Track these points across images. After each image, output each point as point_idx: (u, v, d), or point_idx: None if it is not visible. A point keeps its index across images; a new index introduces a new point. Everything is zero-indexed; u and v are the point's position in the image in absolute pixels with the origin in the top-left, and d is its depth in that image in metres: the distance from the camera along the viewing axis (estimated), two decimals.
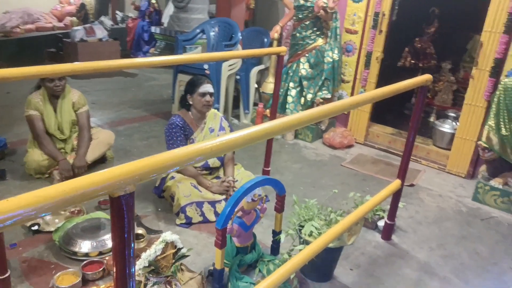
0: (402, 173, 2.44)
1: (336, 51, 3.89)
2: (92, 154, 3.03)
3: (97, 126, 3.46)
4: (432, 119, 4.90)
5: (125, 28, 8.17)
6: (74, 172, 2.88)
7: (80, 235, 2.18)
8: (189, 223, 2.51)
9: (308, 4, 3.85)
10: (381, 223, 2.62)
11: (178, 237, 1.80)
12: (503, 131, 3.02)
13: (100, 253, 2.14)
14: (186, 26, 7.37)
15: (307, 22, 3.94)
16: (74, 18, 8.71)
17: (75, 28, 6.35)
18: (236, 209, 1.90)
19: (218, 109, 4.03)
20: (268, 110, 4.31)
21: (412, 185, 3.37)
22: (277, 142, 3.91)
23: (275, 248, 2.21)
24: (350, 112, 4.13)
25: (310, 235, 2.08)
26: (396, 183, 2.42)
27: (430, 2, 5.74)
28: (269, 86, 4.33)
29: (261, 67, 4.55)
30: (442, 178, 3.58)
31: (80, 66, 1.83)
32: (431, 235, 2.68)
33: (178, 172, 2.67)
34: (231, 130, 2.88)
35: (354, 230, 2.06)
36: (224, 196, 2.64)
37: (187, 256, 1.85)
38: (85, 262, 2.01)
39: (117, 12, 8.94)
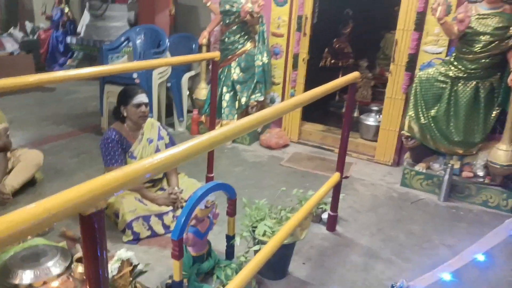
0: (340, 166, 2.58)
1: (265, 55, 4.00)
2: (19, 177, 2.81)
3: (20, 147, 3.20)
4: (355, 114, 5.23)
5: (37, 39, 7.62)
6: None
7: (20, 265, 2.00)
8: (137, 239, 2.44)
9: (234, 9, 3.91)
10: (324, 216, 2.75)
11: (133, 253, 1.74)
12: (422, 120, 3.32)
13: (45, 283, 1.99)
14: (105, 34, 7.07)
15: (235, 27, 4.00)
16: None
17: None
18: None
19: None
20: (203, 116, 4.30)
21: (346, 177, 3.57)
22: (216, 148, 3.91)
23: (230, 252, 2.22)
24: None
25: (264, 234, 2.13)
26: (336, 176, 2.55)
27: (345, 4, 6.13)
28: (202, 92, 4.32)
29: (192, 73, 4.52)
30: (372, 168, 3.84)
31: (2, 83, 1.62)
32: (369, 221, 2.87)
33: None
34: (170, 138, 2.84)
35: (304, 225, 2.15)
36: (170, 208, 2.59)
37: (145, 272, 1.79)
38: None
39: (27, 22, 8.31)
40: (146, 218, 2.47)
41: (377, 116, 4.13)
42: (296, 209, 2.28)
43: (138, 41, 4.20)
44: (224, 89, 4.12)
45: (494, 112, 3.17)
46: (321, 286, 2.17)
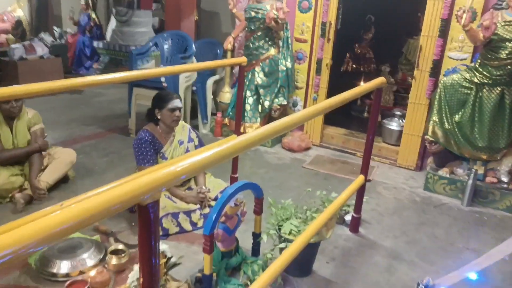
0: (364, 169, 2.63)
1: (289, 60, 4.08)
2: (54, 174, 2.94)
3: (53, 145, 3.34)
4: (378, 118, 5.26)
5: (65, 44, 7.88)
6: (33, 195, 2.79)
7: (58, 256, 2.13)
8: (166, 235, 2.53)
9: (259, 16, 4.01)
10: (348, 218, 2.80)
11: (167, 246, 1.83)
12: (446, 125, 3.33)
13: (81, 272, 2.10)
14: (130, 39, 7.29)
15: (259, 33, 4.09)
16: (10, 36, 8.25)
17: (14, 46, 6.05)
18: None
19: None
20: (226, 119, 4.40)
21: (369, 181, 3.59)
22: None
23: (256, 249, 2.29)
24: None
25: (290, 233, 2.19)
26: (360, 178, 2.60)
27: (367, 10, 6.17)
28: (225, 95, 4.42)
29: (216, 77, 4.63)
30: (394, 172, 3.86)
31: (36, 87, 1.66)
32: (393, 224, 2.90)
33: None
34: (200, 140, 2.93)
35: (330, 225, 2.20)
36: (198, 206, 2.68)
37: (178, 264, 1.88)
38: (68, 282, 1.97)
39: (55, 28, 8.60)
40: (175, 215, 2.56)
41: (400, 121, 4.16)
42: (320, 210, 2.34)
43: (165, 46, 4.34)
44: (248, 93, 4.21)
45: None
46: (345, 285, 2.22)
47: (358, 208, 2.70)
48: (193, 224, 2.62)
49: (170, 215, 2.54)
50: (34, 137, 2.94)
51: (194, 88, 4.42)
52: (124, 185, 0.88)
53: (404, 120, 4.05)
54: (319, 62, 4.10)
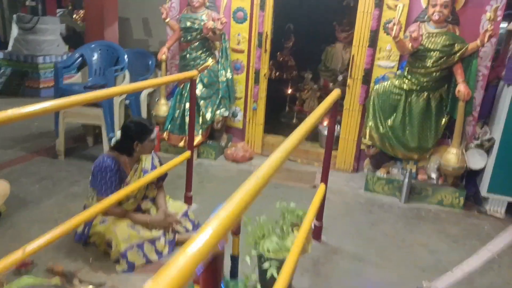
0: (325, 178, 2.73)
1: (228, 70, 4.06)
2: None
3: None
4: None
5: None
6: None
7: None
8: (131, 267, 2.36)
9: (196, 26, 3.93)
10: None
11: None
12: (381, 130, 3.61)
13: None
14: (37, 49, 6.62)
15: (196, 43, 4.01)
16: None
17: None
18: None
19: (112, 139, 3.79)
20: (165, 133, 4.23)
21: (315, 187, 3.75)
22: (182, 165, 3.88)
23: (234, 272, 2.24)
24: (246, 126, 4.35)
25: (269, 251, 2.19)
26: (322, 187, 2.70)
27: (286, 19, 6.40)
28: (162, 108, 4.25)
29: (150, 89, 4.43)
30: (334, 175, 4.05)
31: None
32: (347, 227, 3.06)
33: (105, 214, 2.47)
34: (162, 165, 2.76)
35: (308, 238, 2.25)
36: (161, 232, 2.54)
37: None
38: None
39: None
40: (140, 246, 2.40)
41: (336, 127, 4.37)
42: (294, 224, 2.38)
43: (94, 58, 4.03)
44: (188, 105, 4.10)
45: (444, 120, 3.55)
46: None
47: (320, 216, 2.80)
48: (159, 253, 2.48)
49: (135, 246, 2.38)
50: None
51: (127, 102, 4.17)
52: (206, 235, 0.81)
53: (339, 126, 4.29)
54: (257, 72, 4.15)
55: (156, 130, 2.54)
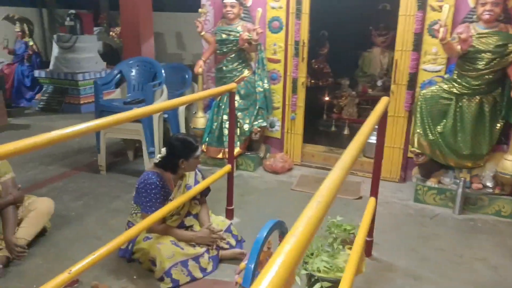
0: (374, 190, 2.58)
1: (265, 80, 3.99)
2: (32, 229, 2.59)
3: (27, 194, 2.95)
4: (346, 131, 5.33)
5: (1, 75, 7.20)
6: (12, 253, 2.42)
7: None
8: (176, 286, 2.29)
9: (232, 38, 3.89)
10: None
11: None
12: (430, 136, 3.41)
13: None
14: (76, 66, 6.82)
15: (233, 55, 3.97)
16: None
17: None
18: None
19: (153, 153, 3.79)
20: (204, 146, 4.19)
21: (360, 198, 3.59)
22: (222, 178, 3.82)
23: None
24: (284, 136, 4.25)
25: (319, 271, 2.07)
26: (372, 201, 2.55)
27: (320, 26, 6.28)
28: (199, 121, 4.22)
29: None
30: (380, 185, 3.83)
31: (20, 145, 1.29)
32: (398, 241, 2.88)
33: (149, 231, 2.43)
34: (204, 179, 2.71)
35: (362, 257, 2.10)
36: (205, 248, 2.46)
37: None
38: None
39: None
40: (184, 263, 2.34)
41: None
42: (344, 240, 2.25)
43: (132, 74, 4.07)
44: (225, 117, 4.05)
45: (499, 125, 3.31)
46: None
47: (371, 231, 2.64)
48: (203, 270, 2.41)
49: (179, 264, 2.32)
50: (5, 189, 2.56)
51: (165, 116, 4.17)
52: None
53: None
54: (294, 81, 4.06)
55: (201, 147, 2.49)
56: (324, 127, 5.56)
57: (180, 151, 2.40)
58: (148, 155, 3.78)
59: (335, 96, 6.01)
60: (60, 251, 2.62)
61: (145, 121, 3.70)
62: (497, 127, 3.32)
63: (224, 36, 3.93)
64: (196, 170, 2.64)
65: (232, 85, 2.82)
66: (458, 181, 3.38)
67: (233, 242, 2.64)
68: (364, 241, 2.11)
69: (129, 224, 2.57)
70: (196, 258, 2.39)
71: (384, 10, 6.22)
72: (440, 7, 3.33)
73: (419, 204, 3.49)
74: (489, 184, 3.38)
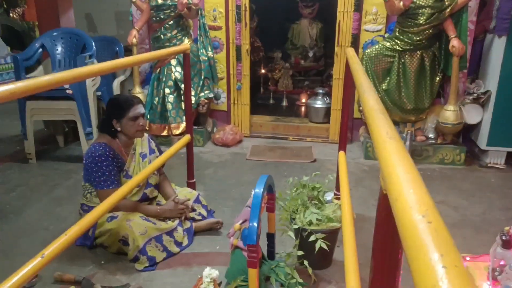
0: (343, 145, 2.58)
1: (209, 48, 3.78)
2: None
3: None
4: (284, 103, 5.32)
5: None
6: None
7: None
8: (153, 264, 2.07)
9: (169, 2, 3.61)
10: (328, 197, 2.71)
11: (216, 271, 1.47)
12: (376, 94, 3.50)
13: None
14: None
15: (171, 22, 3.69)
16: None
17: None
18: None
19: (91, 134, 3.42)
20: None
21: (315, 161, 3.60)
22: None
23: (271, 251, 2.03)
24: (231, 108, 4.10)
25: (310, 224, 2.00)
26: (342, 154, 2.54)
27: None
28: None
29: (122, 78, 4.05)
30: (330, 148, 3.93)
31: None
32: (365, 194, 2.94)
33: (115, 210, 2.16)
34: (159, 150, 2.50)
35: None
36: (177, 221, 2.27)
37: None
38: None
39: None
40: (158, 238, 2.12)
41: (324, 99, 4.25)
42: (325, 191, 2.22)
43: (56, 48, 3.59)
44: (167, 91, 3.78)
45: (438, 78, 3.50)
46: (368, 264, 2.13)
47: (338, 185, 2.64)
48: (178, 244, 2.22)
49: (153, 239, 2.10)
50: None
51: (99, 93, 3.78)
52: None
53: (327, 98, 4.16)
54: (238, 48, 3.91)
55: (138, 106, 2.22)
56: (263, 100, 5.50)
57: (112, 110, 2.20)
58: (85, 137, 3.39)
59: (269, 70, 5.97)
60: (7, 248, 2.23)
61: (79, 98, 3.30)
62: (437, 81, 3.51)
63: (160, 1, 3.63)
64: (148, 137, 2.44)
65: (185, 46, 2.59)
66: (404, 135, 3.53)
67: (204, 212, 2.47)
68: (348, 189, 2.08)
69: (83, 207, 2.27)
70: (170, 233, 2.19)
71: None
72: None
73: (370, 160, 3.60)
74: (431, 135, 3.59)
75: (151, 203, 2.37)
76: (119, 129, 2.18)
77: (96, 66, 1.94)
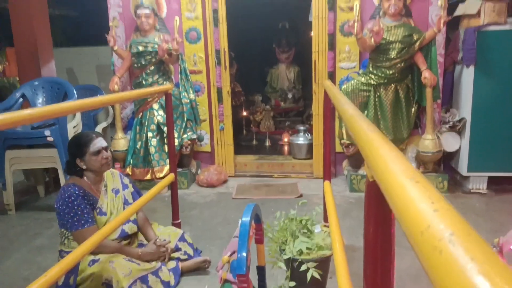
0: (327, 174, 2.59)
1: (191, 91, 3.85)
2: None
3: None
4: (267, 143, 5.37)
5: None
6: None
7: None
8: None
9: (150, 49, 3.71)
10: (317, 230, 2.69)
11: None
12: None
13: None
14: None
15: (152, 68, 3.77)
16: None
17: None
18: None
19: None
20: (128, 168, 3.85)
21: (301, 196, 3.59)
22: (154, 200, 3.52)
23: (262, 285, 1.97)
24: (215, 148, 4.11)
25: (301, 253, 1.97)
26: (327, 184, 2.54)
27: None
28: (120, 142, 3.88)
29: (104, 124, 4.05)
30: (315, 183, 3.94)
31: None
32: (353, 225, 2.92)
33: (96, 252, 2.08)
34: (133, 185, 2.47)
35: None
36: (160, 262, 2.20)
37: None
38: None
39: None
40: (144, 279, 2.04)
41: (306, 135, 4.31)
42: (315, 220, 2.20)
43: (37, 97, 3.60)
44: (150, 134, 3.79)
45: (413, 109, 3.62)
46: None
47: (326, 215, 2.62)
48: (166, 284, 2.14)
49: (138, 280, 2.01)
50: None
51: None
52: None
53: (309, 134, 4.23)
54: (219, 90, 3.99)
55: (98, 140, 2.21)
56: (246, 141, 5.56)
57: (73, 150, 2.19)
58: None
59: (251, 112, 6.08)
60: None
61: (60, 145, 3.28)
62: (413, 111, 3.63)
63: (141, 48, 3.72)
64: (120, 174, 2.41)
65: (168, 86, 2.64)
66: None
67: (190, 251, 2.40)
68: (336, 216, 2.07)
69: (62, 253, 2.18)
70: (155, 272, 2.12)
71: (284, 28, 6.58)
72: (349, 7, 3.62)
73: (356, 193, 3.61)
74: (413, 165, 3.64)
75: (132, 240, 2.30)
76: (84, 167, 2.16)
77: (77, 102, 1.95)
